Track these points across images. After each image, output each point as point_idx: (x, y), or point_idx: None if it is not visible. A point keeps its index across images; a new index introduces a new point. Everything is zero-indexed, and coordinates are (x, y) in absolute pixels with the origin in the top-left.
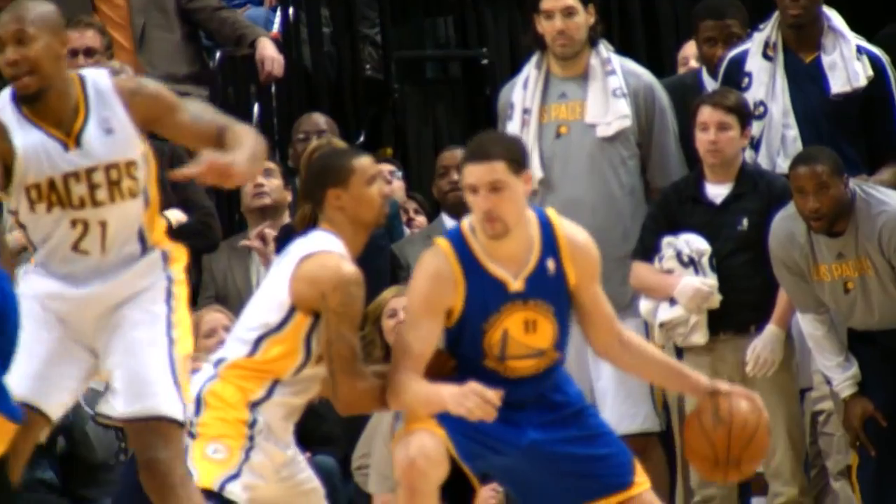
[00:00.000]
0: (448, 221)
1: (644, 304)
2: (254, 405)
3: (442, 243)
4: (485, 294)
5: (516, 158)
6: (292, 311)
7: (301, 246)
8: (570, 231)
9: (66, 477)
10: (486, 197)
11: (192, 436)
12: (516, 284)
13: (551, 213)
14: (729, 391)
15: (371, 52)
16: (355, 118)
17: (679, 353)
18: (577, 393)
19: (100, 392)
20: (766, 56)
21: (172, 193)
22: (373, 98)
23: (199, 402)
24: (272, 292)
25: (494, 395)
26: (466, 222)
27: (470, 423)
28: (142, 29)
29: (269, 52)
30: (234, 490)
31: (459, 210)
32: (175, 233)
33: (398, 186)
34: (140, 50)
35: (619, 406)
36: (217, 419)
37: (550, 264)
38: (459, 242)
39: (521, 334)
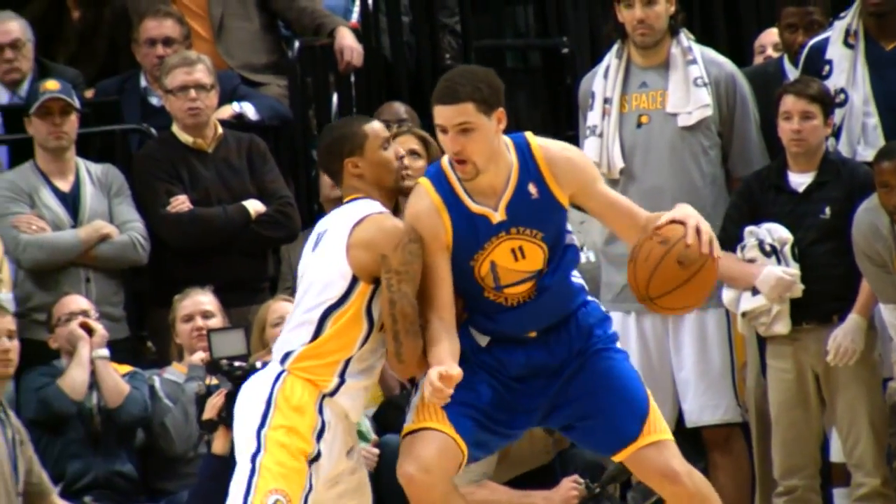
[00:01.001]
0: None
1: (726, 294)
2: (325, 397)
3: (423, 182)
4: (469, 230)
5: (485, 98)
6: (354, 281)
7: (345, 216)
8: (549, 150)
9: (145, 470)
10: (454, 139)
11: (255, 464)
12: (498, 216)
13: (529, 135)
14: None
15: (450, 41)
16: None
17: (762, 342)
18: (594, 317)
19: (179, 384)
20: (847, 44)
21: (251, 184)
22: None
23: (269, 404)
24: (327, 268)
25: (445, 376)
26: (446, 158)
27: (479, 410)
28: (220, 19)
29: (348, 42)
30: None
31: None
32: (254, 223)
33: None
34: (218, 40)
35: (700, 397)
36: (279, 462)
37: (532, 188)
38: (440, 179)
39: (511, 262)
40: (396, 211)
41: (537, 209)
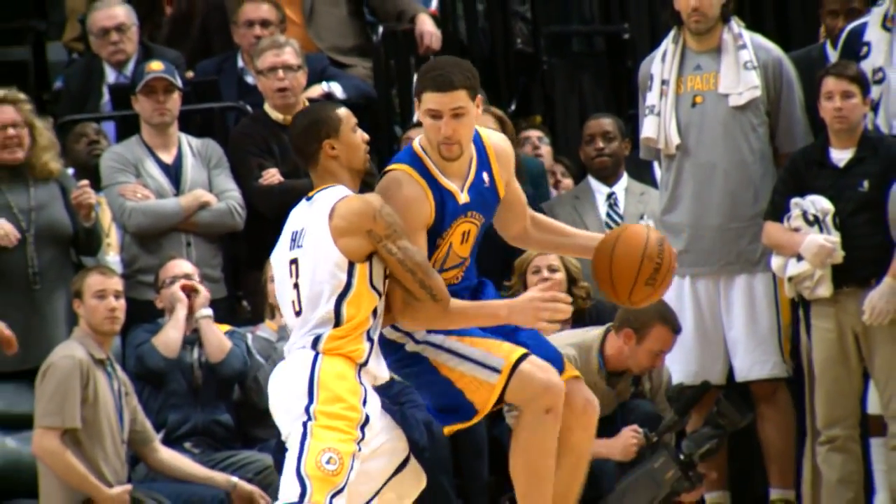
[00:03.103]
0: (594, 184)
1: (775, 260)
2: (361, 367)
3: (403, 167)
4: (442, 210)
5: (473, 86)
6: (351, 266)
7: (318, 212)
8: (496, 141)
9: (240, 419)
10: (448, 123)
11: (307, 428)
12: (463, 196)
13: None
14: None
15: (522, 27)
16: (507, 88)
17: (807, 304)
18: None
19: (272, 342)
20: (885, 27)
21: None
22: (523, 70)
23: (312, 383)
24: (324, 264)
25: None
26: (416, 142)
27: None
28: (311, 5)
29: (427, 27)
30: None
31: (605, 174)
32: None
33: (546, 151)
34: (309, 24)
35: (749, 354)
36: (331, 427)
37: (485, 177)
38: (417, 163)
39: (458, 245)
40: (363, 191)
41: (487, 196)
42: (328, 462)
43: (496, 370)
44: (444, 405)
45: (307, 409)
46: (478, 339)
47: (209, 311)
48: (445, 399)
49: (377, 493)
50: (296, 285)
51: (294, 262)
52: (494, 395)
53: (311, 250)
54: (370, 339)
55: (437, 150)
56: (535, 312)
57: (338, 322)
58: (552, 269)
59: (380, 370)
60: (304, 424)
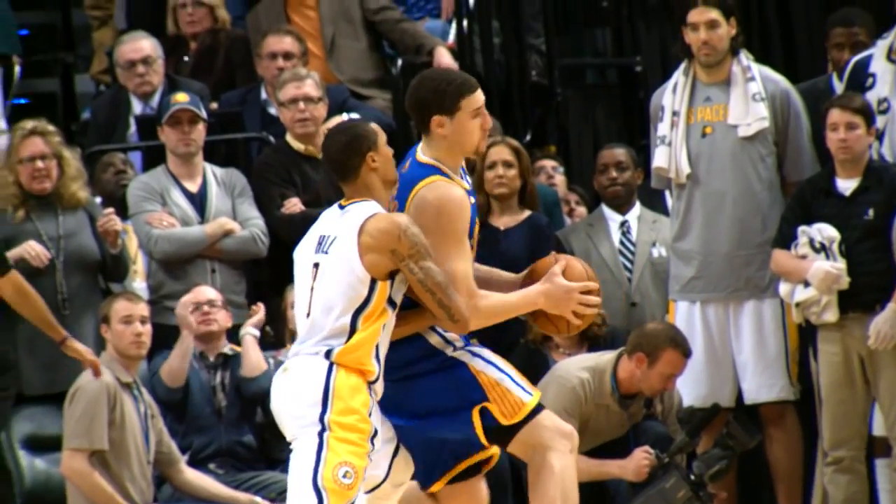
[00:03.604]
0: (607, 212)
1: (782, 287)
2: (371, 384)
3: (438, 177)
4: (473, 212)
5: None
6: (374, 282)
7: (349, 224)
8: None
9: (263, 441)
10: (486, 115)
11: (323, 439)
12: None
13: None
14: None
15: (537, 59)
16: (523, 119)
17: (814, 329)
18: None
19: None
20: (890, 59)
21: None
22: (538, 101)
23: (328, 391)
24: (347, 276)
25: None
26: (421, 156)
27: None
28: (332, 39)
29: (445, 60)
30: None
31: (618, 202)
32: None
33: (560, 180)
34: (330, 57)
35: (757, 377)
36: (345, 440)
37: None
38: (440, 172)
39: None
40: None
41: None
42: (344, 476)
43: (529, 393)
44: (461, 413)
45: (322, 419)
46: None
47: (256, 332)
48: (466, 403)
49: (386, 477)
50: (313, 289)
51: (317, 266)
52: (525, 410)
53: (336, 260)
54: (378, 359)
55: (476, 148)
56: (569, 304)
57: (351, 334)
58: None
59: (381, 388)
60: (320, 435)
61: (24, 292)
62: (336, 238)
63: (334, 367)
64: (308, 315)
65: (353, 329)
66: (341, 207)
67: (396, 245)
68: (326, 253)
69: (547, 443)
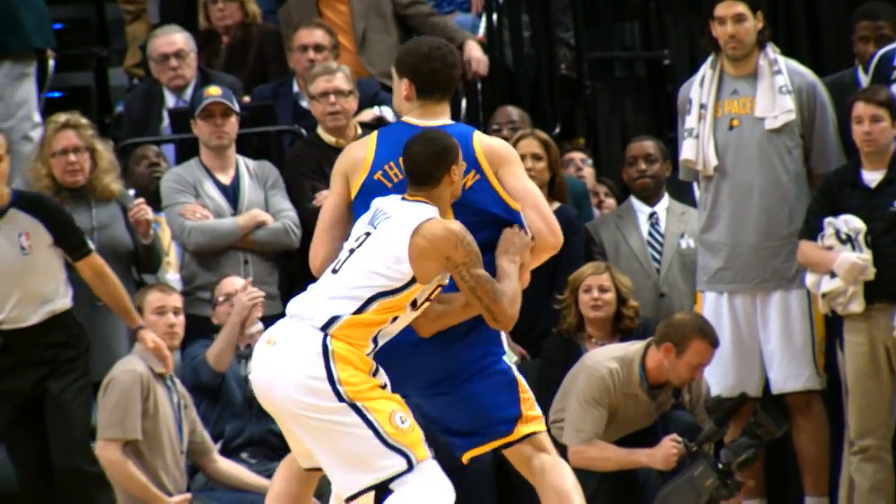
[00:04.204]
0: (636, 204)
1: (809, 277)
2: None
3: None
4: None
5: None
6: (412, 281)
7: (408, 216)
8: None
9: None
10: None
11: (357, 406)
12: None
13: None
14: None
15: (566, 53)
16: (552, 112)
17: (840, 320)
18: None
19: None
20: None
21: None
22: (567, 94)
23: (328, 359)
24: (385, 261)
25: None
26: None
27: None
28: (363, 32)
29: (475, 54)
30: None
31: (647, 194)
32: None
33: (588, 173)
34: (361, 51)
35: (784, 367)
36: (372, 396)
37: None
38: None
39: None
40: None
41: None
42: (402, 422)
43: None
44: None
45: (338, 393)
46: None
47: (260, 326)
48: (505, 400)
49: None
50: (351, 251)
51: (366, 235)
52: (539, 424)
53: (381, 240)
54: (375, 342)
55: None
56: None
57: (360, 310)
58: (603, 289)
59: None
60: (352, 405)
61: (103, 275)
62: (390, 218)
63: (328, 338)
64: (335, 272)
65: (364, 306)
66: (403, 199)
67: (452, 252)
68: (376, 228)
69: (552, 451)
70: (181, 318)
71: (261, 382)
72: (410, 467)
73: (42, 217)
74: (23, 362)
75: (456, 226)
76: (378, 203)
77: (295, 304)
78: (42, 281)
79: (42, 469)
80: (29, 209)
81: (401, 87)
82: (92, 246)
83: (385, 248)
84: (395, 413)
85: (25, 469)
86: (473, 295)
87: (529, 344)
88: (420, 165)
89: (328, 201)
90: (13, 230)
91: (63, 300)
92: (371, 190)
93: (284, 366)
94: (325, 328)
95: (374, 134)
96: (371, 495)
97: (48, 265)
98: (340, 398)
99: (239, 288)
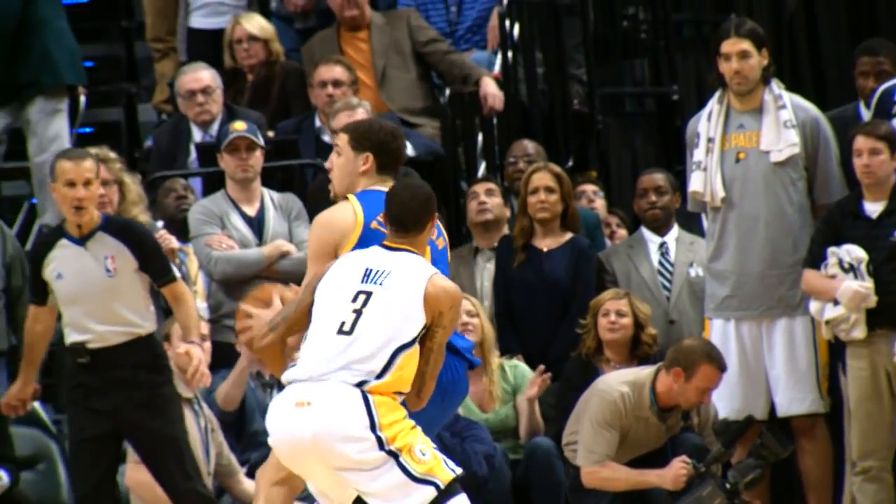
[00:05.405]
0: (647, 234)
1: (813, 305)
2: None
3: None
4: None
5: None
6: (424, 328)
7: (410, 266)
8: None
9: None
10: None
11: (394, 453)
12: None
13: None
14: None
15: (578, 89)
16: (565, 146)
17: (842, 346)
18: None
19: None
20: None
21: None
22: (580, 128)
23: (370, 408)
24: (403, 312)
25: None
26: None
27: None
28: (382, 70)
29: (491, 90)
30: None
31: (657, 225)
32: None
33: (600, 204)
34: (381, 87)
35: (789, 391)
36: (405, 441)
37: None
38: None
39: None
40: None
41: None
42: (423, 454)
43: None
44: None
45: (381, 443)
46: None
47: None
48: None
49: None
50: (356, 311)
51: (367, 294)
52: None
53: (395, 295)
54: (400, 393)
55: None
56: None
57: (385, 369)
58: (620, 314)
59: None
60: (391, 454)
61: (182, 301)
62: (391, 273)
63: (368, 395)
64: (348, 333)
65: (389, 363)
66: (387, 248)
67: (447, 311)
68: (380, 285)
69: None
70: (208, 345)
71: (300, 441)
72: (439, 491)
73: (128, 242)
74: (110, 382)
75: (457, 288)
76: (361, 261)
77: (314, 367)
78: (126, 303)
79: (99, 493)
80: (116, 233)
81: (358, 161)
82: (177, 273)
83: (400, 305)
84: (415, 448)
85: (83, 487)
86: (430, 357)
87: (545, 369)
88: (411, 211)
89: (312, 279)
90: (100, 252)
91: (147, 323)
92: (370, 238)
93: (328, 421)
94: (359, 385)
95: (351, 196)
96: None
97: (132, 288)
98: (381, 446)
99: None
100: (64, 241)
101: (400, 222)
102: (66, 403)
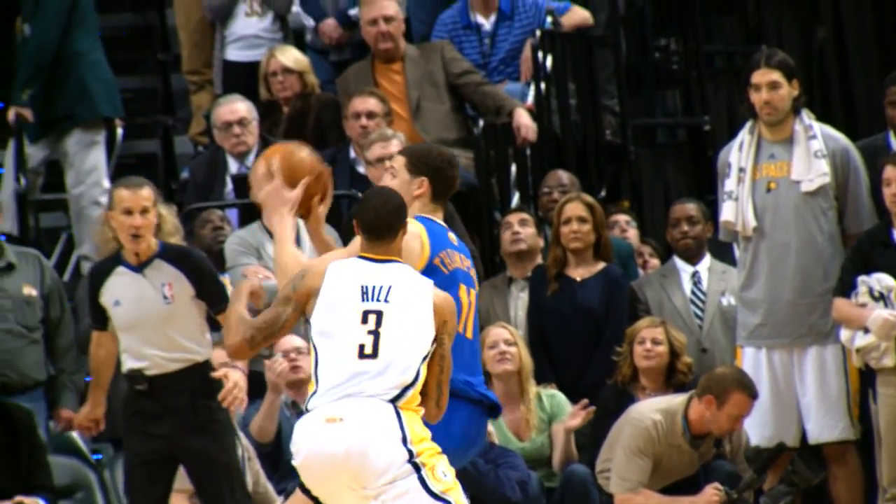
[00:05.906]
0: (679, 263)
1: (844, 333)
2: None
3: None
4: None
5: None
6: (435, 338)
7: (411, 278)
8: None
9: None
10: None
11: (417, 466)
12: None
13: None
14: None
15: (611, 119)
16: (598, 176)
17: (873, 373)
18: None
19: None
20: None
21: None
22: (612, 159)
23: (402, 424)
24: (419, 324)
25: None
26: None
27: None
28: (417, 101)
29: (524, 121)
30: None
31: (689, 254)
32: None
33: (633, 234)
34: (415, 119)
35: (821, 419)
36: (432, 460)
37: None
38: None
39: None
40: None
41: None
42: (444, 475)
43: None
44: None
45: (412, 461)
46: None
47: None
48: None
49: None
50: (372, 332)
51: (377, 313)
52: None
53: (405, 310)
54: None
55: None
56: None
57: (415, 379)
58: (656, 342)
59: None
60: (414, 465)
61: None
62: (392, 288)
63: (401, 411)
64: (371, 356)
65: (418, 373)
66: (376, 261)
67: (450, 319)
68: (387, 301)
69: None
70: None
71: (331, 458)
72: None
73: (185, 270)
74: (167, 408)
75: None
76: (354, 279)
77: (344, 388)
78: (183, 330)
79: None
80: (173, 261)
81: (413, 184)
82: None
83: (414, 318)
84: (438, 467)
85: None
86: (440, 364)
87: (578, 397)
88: (384, 219)
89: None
90: (157, 279)
91: (203, 350)
92: (426, 273)
93: (362, 435)
94: (392, 401)
95: (421, 228)
96: None
97: (189, 315)
98: (410, 459)
99: (269, 362)
100: (121, 269)
101: (374, 229)
102: (124, 430)
